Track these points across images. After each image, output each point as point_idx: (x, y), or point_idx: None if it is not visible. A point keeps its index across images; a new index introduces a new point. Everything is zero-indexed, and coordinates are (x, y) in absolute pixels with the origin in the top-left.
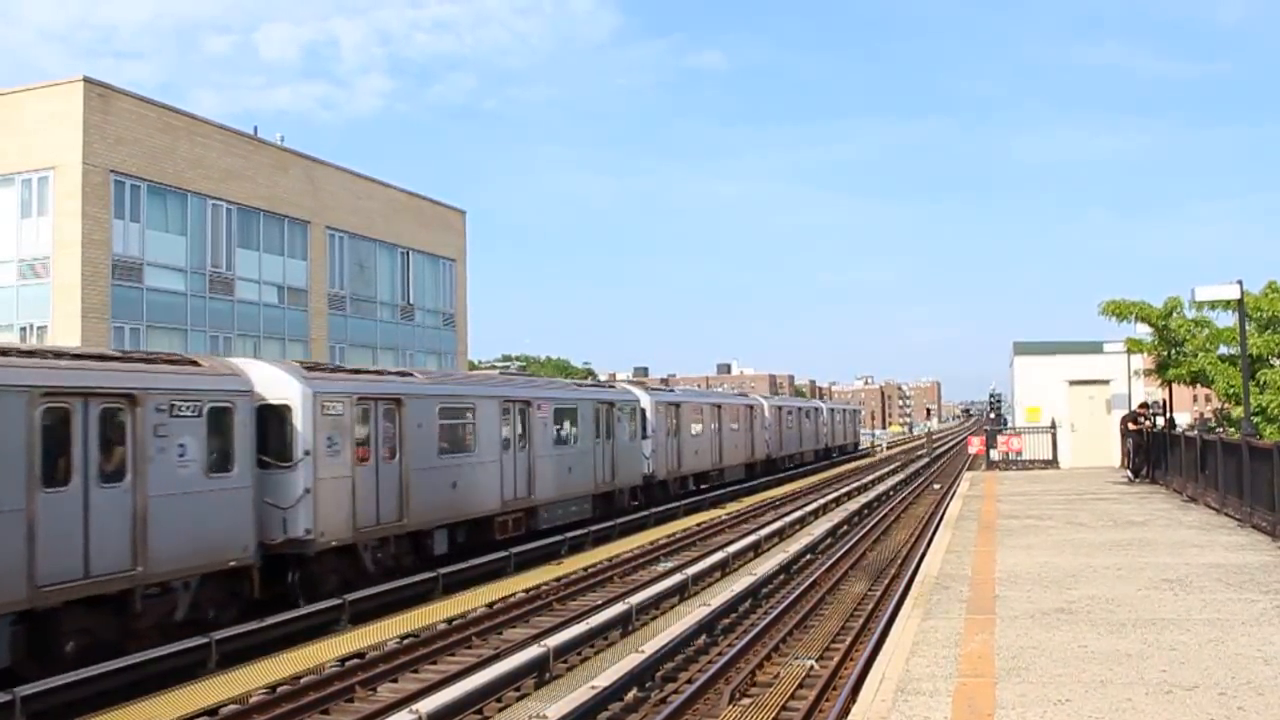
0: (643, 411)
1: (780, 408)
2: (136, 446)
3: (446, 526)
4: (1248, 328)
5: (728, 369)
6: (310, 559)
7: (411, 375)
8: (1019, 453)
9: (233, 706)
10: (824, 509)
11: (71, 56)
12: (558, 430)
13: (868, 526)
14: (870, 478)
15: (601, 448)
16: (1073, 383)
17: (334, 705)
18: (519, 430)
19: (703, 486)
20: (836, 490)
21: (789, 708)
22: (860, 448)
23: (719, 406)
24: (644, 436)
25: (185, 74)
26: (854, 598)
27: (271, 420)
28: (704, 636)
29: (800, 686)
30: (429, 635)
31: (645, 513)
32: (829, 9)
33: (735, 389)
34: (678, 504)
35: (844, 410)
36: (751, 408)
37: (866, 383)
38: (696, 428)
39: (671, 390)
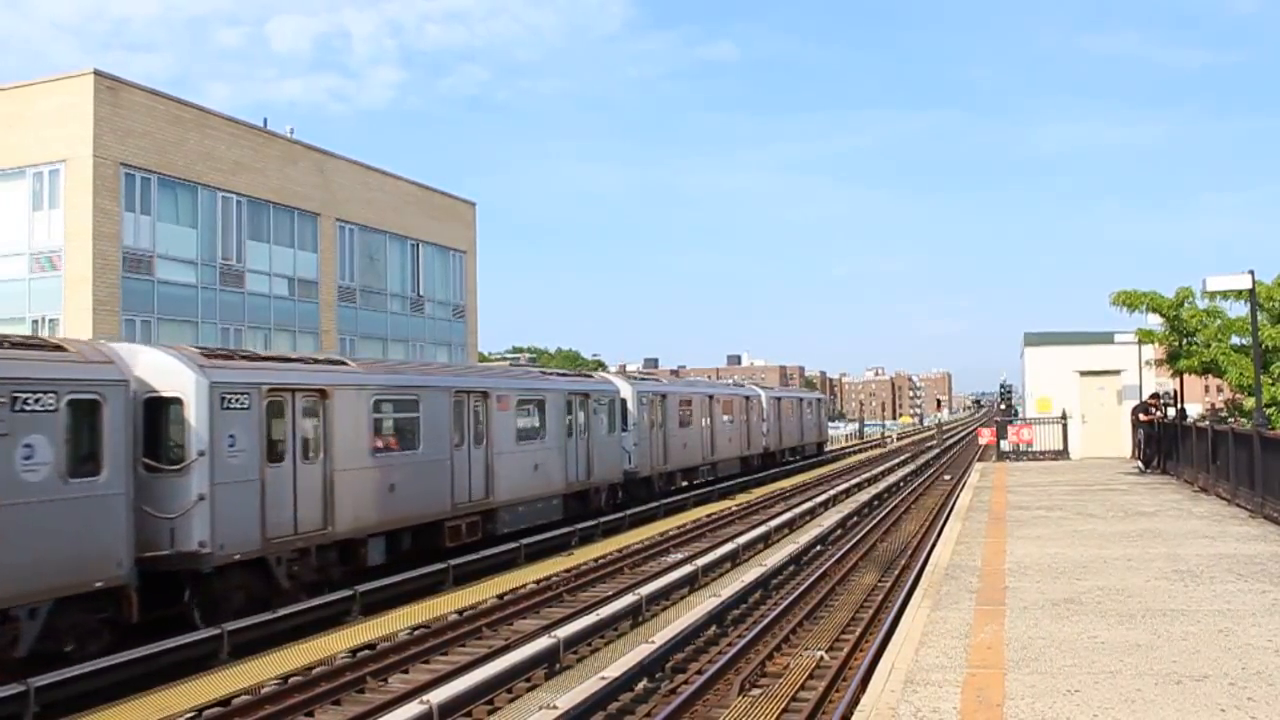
0: (623, 403)
1: (662, 395)
2: (750, 412)
3: (383, 534)
4: (1260, 318)
5: (738, 360)
6: (209, 575)
7: (344, 363)
8: (1029, 444)
9: (245, 697)
10: (834, 500)
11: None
12: (521, 424)
13: (878, 518)
14: (880, 469)
15: (574, 443)
16: (1083, 373)
17: (345, 695)
18: (474, 424)
19: (694, 483)
20: (847, 482)
21: (799, 698)
22: (826, 450)
23: (710, 398)
24: (624, 430)
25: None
26: (864, 589)
27: (160, 415)
28: (714, 627)
29: (810, 677)
30: (440, 626)
31: (620, 514)
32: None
33: (729, 380)
34: (657, 504)
35: (796, 399)
36: (707, 396)
37: (877, 374)
38: (685, 420)
39: (657, 380)
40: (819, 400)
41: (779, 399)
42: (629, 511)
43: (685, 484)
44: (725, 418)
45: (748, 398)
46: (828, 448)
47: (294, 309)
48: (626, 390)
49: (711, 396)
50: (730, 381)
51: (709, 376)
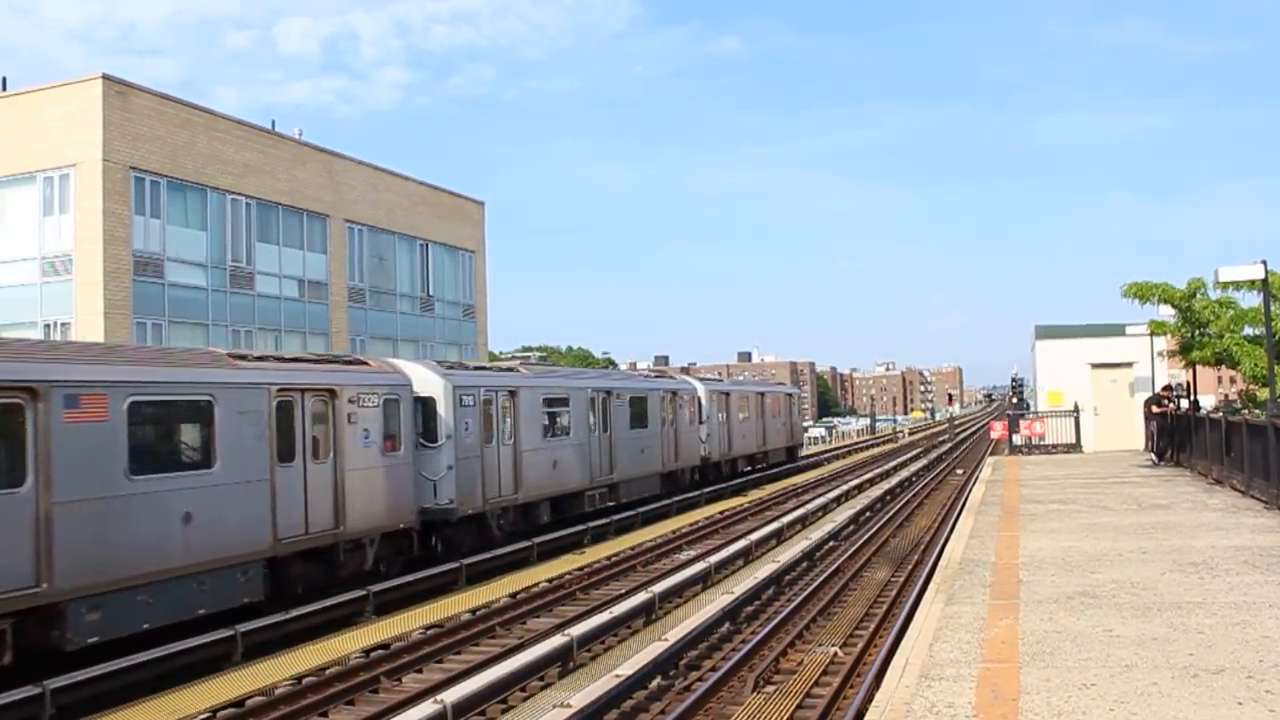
0: (699, 400)
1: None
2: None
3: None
4: (1274, 308)
5: (748, 357)
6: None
7: (518, 370)
8: (1041, 437)
9: (259, 698)
10: (847, 495)
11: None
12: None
13: (890, 512)
14: (892, 464)
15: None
16: (1095, 366)
17: (359, 696)
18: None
19: (750, 469)
20: (859, 477)
21: (813, 694)
22: (802, 456)
23: (763, 395)
24: (700, 422)
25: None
26: (877, 584)
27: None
28: (727, 624)
29: (824, 673)
30: (453, 626)
31: (697, 493)
32: None
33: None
34: (726, 485)
35: (756, 394)
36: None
37: (888, 368)
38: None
39: (720, 380)
40: (790, 395)
41: (727, 394)
42: (703, 490)
43: (745, 469)
44: (626, 421)
45: (673, 392)
46: (817, 449)
47: (304, 310)
48: (701, 390)
49: (610, 392)
50: (646, 372)
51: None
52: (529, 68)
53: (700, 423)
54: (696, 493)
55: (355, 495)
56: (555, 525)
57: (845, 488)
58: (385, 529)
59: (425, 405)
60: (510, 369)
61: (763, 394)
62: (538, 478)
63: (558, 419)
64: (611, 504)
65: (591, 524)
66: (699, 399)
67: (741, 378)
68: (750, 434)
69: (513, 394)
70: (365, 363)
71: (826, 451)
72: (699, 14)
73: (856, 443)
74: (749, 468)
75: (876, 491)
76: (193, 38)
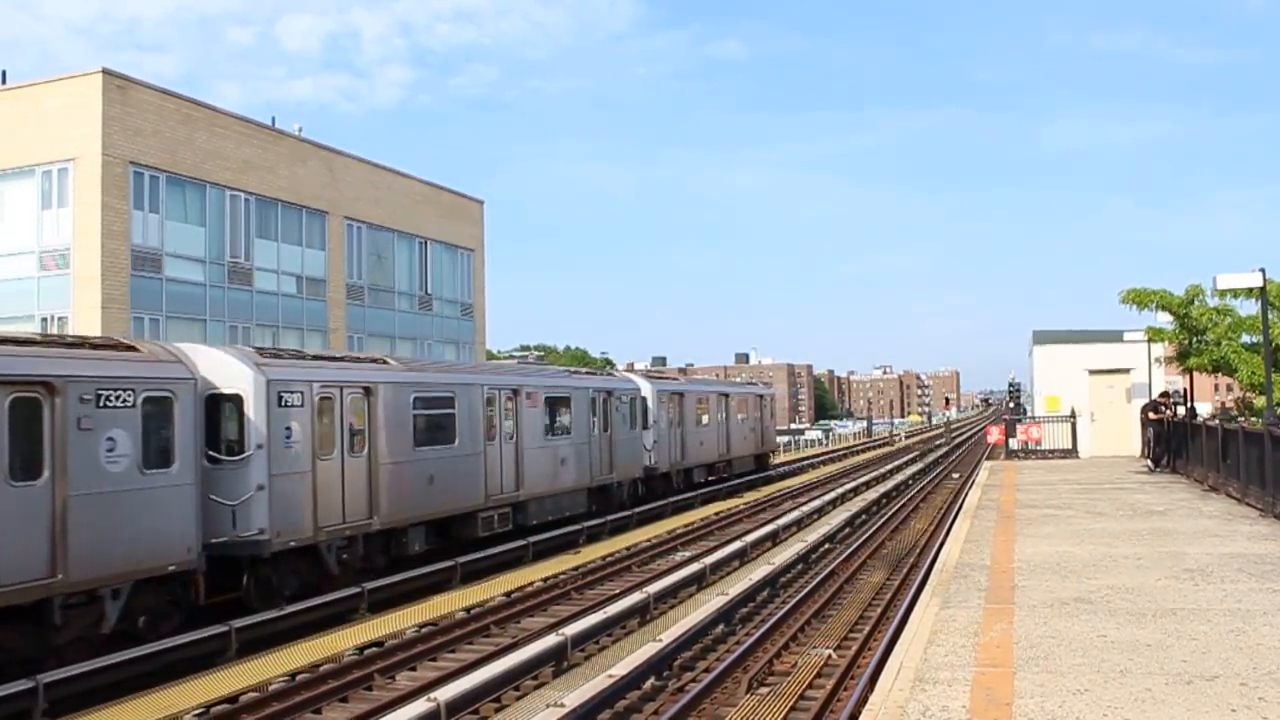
0: (643, 401)
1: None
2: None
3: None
4: (1271, 315)
5: (746, 359)
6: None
7: (385, 362)
8: (1038, 442)
9: (252, 694)
10: (842, 499)
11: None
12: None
13: (886, 516)
14: (888, 468)
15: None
16: (1092, 372)
17: (353, 693)
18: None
19: (710, 479)
20: (854, 480)
21: (807, 697)
22: (781, 463)
23: (726, 396)
24: (645, 427)
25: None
26: (872, 587)
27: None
28: (722, 625)
29: (818, 676)
30: (447, 624)
31: (626, 513)
32: None
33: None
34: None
35: (718, 395)
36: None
37: (885, 372)
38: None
39: (675, 379)
40: (760, 397)
41: (680, 394)
42: (635, 510)
43: (702, 481)
44: (541, 425)
45: (608, 392)
46: (799, 455)
47: (302, 307)
48: (647, 389)
49: (517, 391)
50: (569, 369)
51: (718, 375)
52: (531, 67)
53: (645, 428)
54: (626, 513)
55: (85, 529)
56: (433, 556)
57: (841, 490)
58: (141, 574)
59: (225, 406)
60: (377, 360)
61: (726, 394)
62: (406, 497)
63: (441, 422)
64: (510, 529)
65: (587, 524)
66: (643, 400)
67: (740, 378)
68: (710, 440)
69: (368, 391)
70: (120, 346)
71: (814, 456)
72: (700, 16)
73: (850, 446)
74: (709, 478)
75: (873, 495)
76: (195, 33)
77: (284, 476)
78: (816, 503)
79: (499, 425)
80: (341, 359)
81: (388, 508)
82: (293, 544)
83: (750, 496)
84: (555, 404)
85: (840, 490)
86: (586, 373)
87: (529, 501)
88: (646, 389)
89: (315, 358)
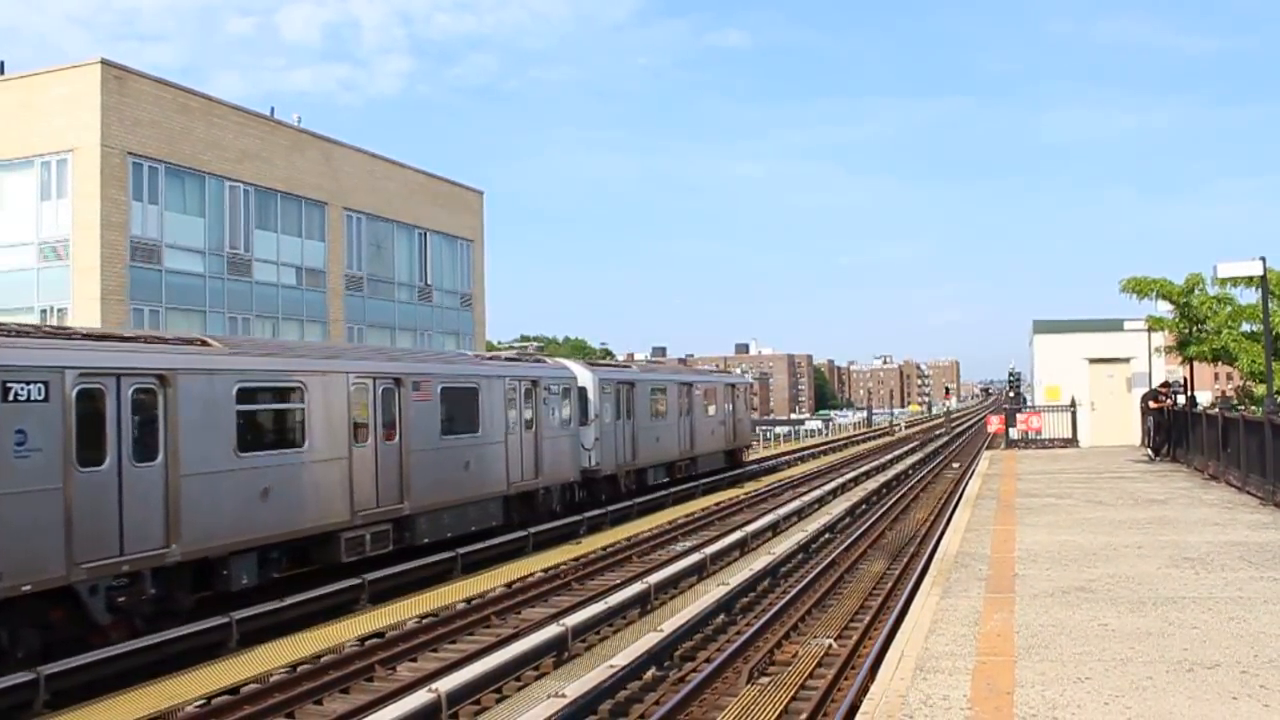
0: (582, 392)
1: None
2: (536, 409)
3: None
4: (1271, 304)
5: (746, 349)
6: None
7: (204, 343)
8: (1038, 431)
9: (253, 685)
10: (843, 488)
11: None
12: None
13: (886, 505)
14: (888, 457)
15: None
16: (1093, 361)
17: (354, 684)
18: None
19: (668, 480)
20: (854, 470)
21: (808, 686)
22: (745, 461)
23: (689, 386)
24: (584, 422)
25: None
26: (873, 576)
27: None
28: (722, 615)
29: (819, 665)
30: (448, 615)
31: (523, 532)
32: None
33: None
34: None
35: (679, 384)
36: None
37: (885, 362)
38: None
39: (626, 367)
40: (734, 386)
41: (631, 384)
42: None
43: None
44: (434, 422)
45: (533, 381)
46: (789, 447)
47: (301, 298)
48: (587, 378)
49: (399, 380)
50: (513, 359)
51: (717, 365)
52: (531, 57)
53: (584, 423)
54: (522, 532)
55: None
56: (434, 548)
57: (841, 480)
58: None
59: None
60: (188, 341)
61: (688, 384)
62: (225, 516)
63: (281, 419)
64: (389, 550)
65: (588, 514)
66: (581, 391)
67: (739, 370)
68: (668, 436)
69: (163, 380)
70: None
71: (813, 446)
72: (701, 5)
73: (850, 436)
74: (667, 479)
75: (873, 484)
76: (194, 24)
77: (9, 497)
78: (817, 493)
79: (373, 423)
80: (131, 338)
81: (195, 532)
82: (27, 589)
83: (751, 486)
84: (455, 396)
85: (840, 480)
86: (506, 359)
87: (417, 516)
88: (586, 378)
89: (85, 336)
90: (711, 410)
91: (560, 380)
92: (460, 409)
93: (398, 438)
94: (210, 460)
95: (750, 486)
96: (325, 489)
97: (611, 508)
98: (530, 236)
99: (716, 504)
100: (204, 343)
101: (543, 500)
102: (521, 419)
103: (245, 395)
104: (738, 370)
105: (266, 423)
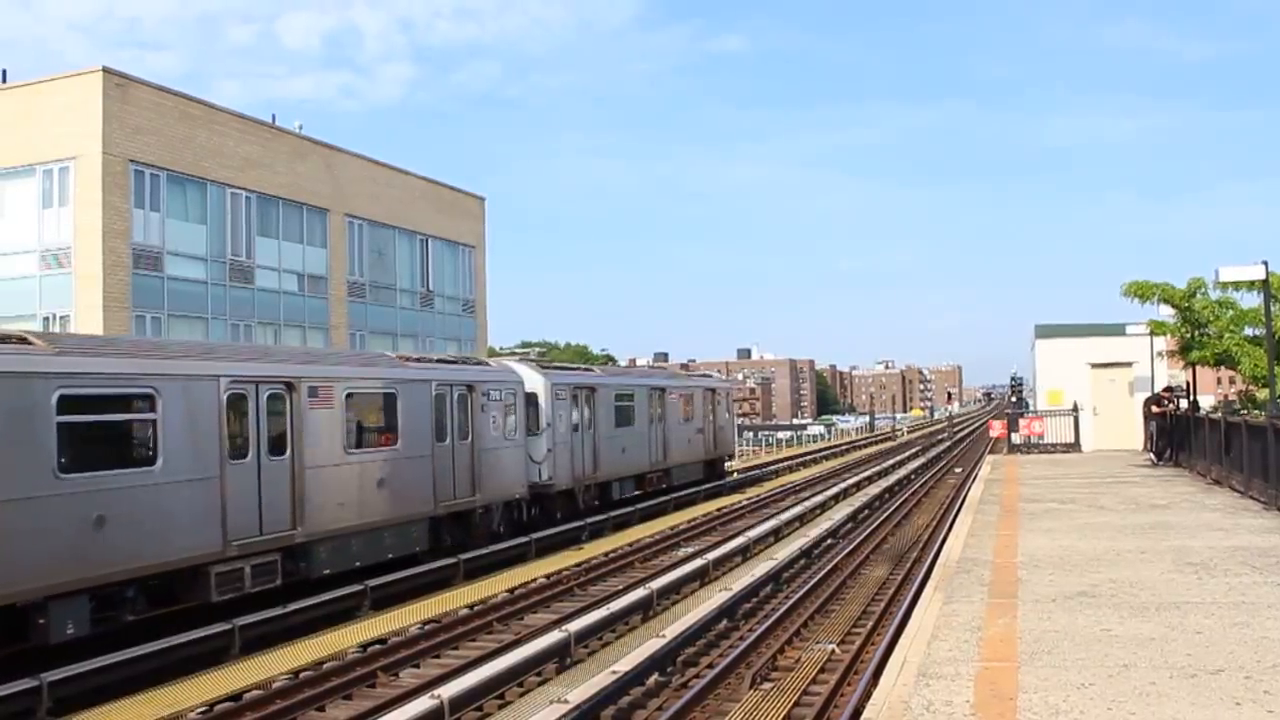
0: (531, 398)
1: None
2: (472, 417)
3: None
4: (1274, 308)
5: (748, 354)
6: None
7: (25, 341)
8: (1041, 436)
9: (256, 692)
10: (845, 494)
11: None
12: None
13: (889, 510)
14: (891, 462)
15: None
16: (1095, 365)
17: (356, 690)
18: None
19: (639, 493)
20: (857, 476)
21: (810, 692)
22: (727, 472)
23: (662, 391)
24: (534, 432)
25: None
26: (875, 582)
27: (528, 402)
28: (725, 621)
29: (822, 671)
30: (451, 621)
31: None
32: None
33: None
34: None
35: (648, 390)
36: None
37: (887, 367)
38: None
39: (588, 370)
40: (713, 391)
41: (591, 389)
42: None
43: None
44: (338, 434)
45: (468, 386)
46: (791, 452)
47: (304, 304)
48: (537, 383)
49: (291, 385)
50: (419, 359)
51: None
52: (532, 64)
53: (534, 433)
54: (451, 559)
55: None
56: (433, 556)
57: (843, 485)
58: None
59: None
60: (11, 338)
61: (661, 389)
62: (40, 553)
63: (123, 434)
64: (277, 584)
65: (590, 520)
66: (529, 397)
67: (741, 375)
68: (636, 446)
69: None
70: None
71: (815, 451)
72: (701, 11)
73: (853, 441)
74: (637, 492)
75: (875, 490)
76: (196, 31)
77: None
78: (819, 498)
79: (255, 435)
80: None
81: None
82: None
83: (753, 492)
84: (366, 403)
85: (842, 485)
86: (438, 359)
87: (314, 544)
88: (536, 382)
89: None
90: (688, 417)
91: (503, 384)
92: (372, 418)
93: (289, 452)
94: (18, 484)
95: (726, 500)
96: (187, 515)
97: (546, 532)
98: (532, 242)
99: (719, 509)
100: (22, 340)
101: (481, 521)
102: (454, 429)
103: (69, 405)
104: (739, 375)
105: (102, 437)
